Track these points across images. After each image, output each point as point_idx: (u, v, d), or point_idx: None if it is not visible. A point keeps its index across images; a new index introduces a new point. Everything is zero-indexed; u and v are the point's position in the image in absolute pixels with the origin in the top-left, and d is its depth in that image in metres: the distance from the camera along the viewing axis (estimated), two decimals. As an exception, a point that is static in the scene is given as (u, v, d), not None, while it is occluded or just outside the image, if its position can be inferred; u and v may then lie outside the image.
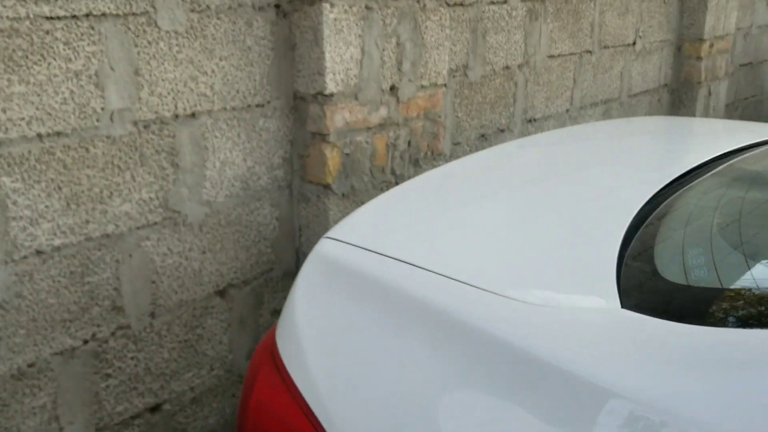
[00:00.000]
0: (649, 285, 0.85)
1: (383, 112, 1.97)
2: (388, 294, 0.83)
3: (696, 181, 1.16)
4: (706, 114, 3.85)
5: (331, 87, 1.80)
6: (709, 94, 3.83)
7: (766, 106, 5.11)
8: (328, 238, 1.00)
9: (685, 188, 1.13)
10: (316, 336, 0.85)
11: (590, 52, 3.01)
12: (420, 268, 0.88)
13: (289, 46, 1.84)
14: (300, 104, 1.87)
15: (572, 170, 1.32)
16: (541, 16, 2.68)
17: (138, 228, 1.62)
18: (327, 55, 1.77)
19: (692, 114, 3.76)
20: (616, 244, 0.91)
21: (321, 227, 1.93)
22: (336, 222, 1.92)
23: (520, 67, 2.64)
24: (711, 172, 1.21)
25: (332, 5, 1.75)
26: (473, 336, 0.73)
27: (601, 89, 3.15)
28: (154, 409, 1.75)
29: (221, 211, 1.79)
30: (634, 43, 3.30)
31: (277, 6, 1.79)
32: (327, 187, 1.88)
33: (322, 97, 1.81)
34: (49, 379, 1.51)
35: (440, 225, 1.04)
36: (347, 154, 1.90)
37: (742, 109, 4.73)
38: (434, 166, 2.19)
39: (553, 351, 0.67)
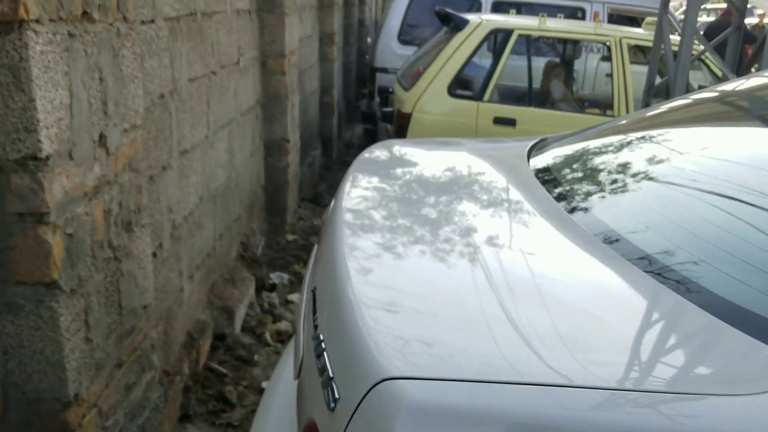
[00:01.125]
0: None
1: (97, 170, 1.50)
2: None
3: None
4: (292, 124, 4.05)
5: (47, 147, 1.28)
6: (293, 105, 4.03)
7: (307, 107, 5.64)
8: (390, 379, 0.71)
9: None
10: None
11: (215, 73, 2.83)
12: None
13: (-39, 93, 1.23)
14: (-11, 176, 1.28)
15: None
16: (179, 37, 2.39)
17: None
18: (38, 103, 1.25)
19: (285, 125, 3.90)
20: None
21: (47, 343, 1.37)
22: (68, 331, 1.40)
23: (171, 94, 2.32)
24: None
25: (37, 33, 1.24)
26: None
27: (225, 111, 3.01)
28: None
29: None
30: (238, 62, 3.23)
31: (-63, 34, 1.17)
32: (52, 285, 1.34)
33: (35, 163, 1.27)
34: None
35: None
36: (70, 235, 1.39)
37: (296, 115, 5.12)
38: (142, 228, 1.78)
39: None
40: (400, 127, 4.50)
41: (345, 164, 6.59)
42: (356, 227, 1.18)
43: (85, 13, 1.42)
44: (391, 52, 6.81)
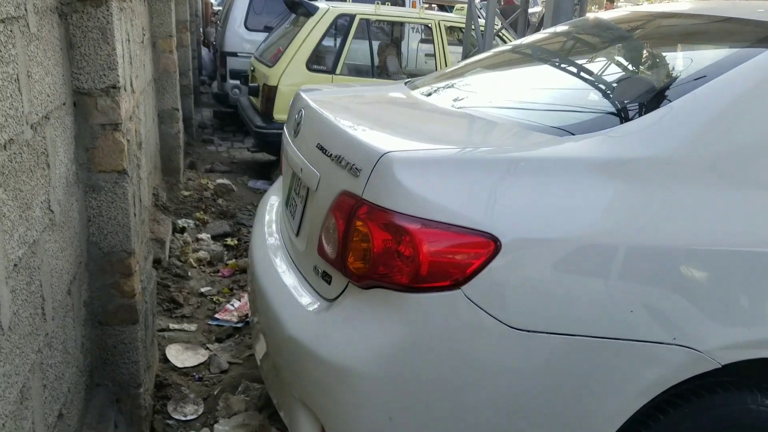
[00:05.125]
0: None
1: (132, 101, 2.22)
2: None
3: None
4: (179, 96, 4.70)
5: (121, 80, 2.01)
6: (178, 80, 4.68)
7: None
8: (389, 153, 1.59)
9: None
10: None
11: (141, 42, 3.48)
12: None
13: (67, 46, 1.92)
14: (83, 99, 1.98)
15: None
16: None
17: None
18: (117, 51, 1.98)
19: (175, 97, 4.56)
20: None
21: (118, 211, 2.09)
22: (131, 204, 2.12)
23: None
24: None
25: (113, 5, 1.97)
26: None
27: (142, 78, 3.66)
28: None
29: (67, 211, 1.82)
30: (143, 40, 3.87)
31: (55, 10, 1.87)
32: (123, 172, 2.07)
33: (114, 90, 2.00)
34: None
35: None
36: (128, 140, 2.12)
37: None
38: (143, 148, 2.49)
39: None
40: (267, 98, 5.30)
41: (205, 142, 7.22)
42: (327, 107, 2.09)
43: (122, -5, 2.14)
44: (240, 37, 7.51)
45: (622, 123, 1.73)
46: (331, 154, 1.83)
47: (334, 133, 1.90)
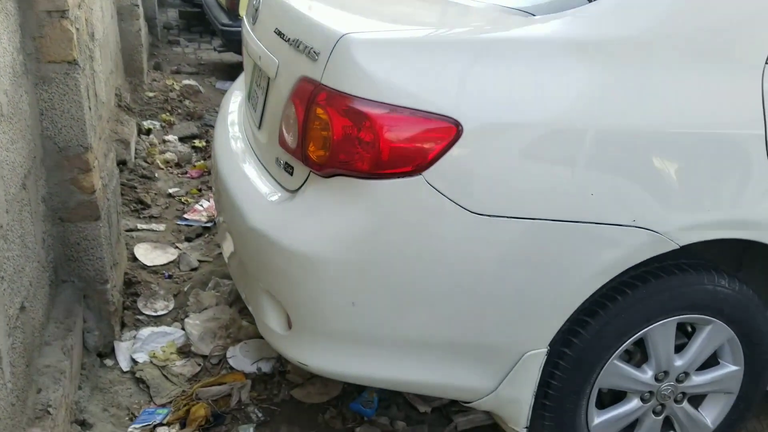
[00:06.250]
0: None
1: (80, -14, 2.10)
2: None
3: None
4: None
5: (65, -38, 1.89)
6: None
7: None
8: (348, 35, 1.52)
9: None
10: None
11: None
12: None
13: None
14: (25, -17, 1.86)
15: None
16: None
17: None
18: (57, -69, 1.85)
19: (133, -8, 4.34)
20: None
21: (71, 104, 2.01)
22: (85, 97, 2.04)
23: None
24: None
25: None
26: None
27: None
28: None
29: (16, 102, 1.74)
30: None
31: None
32: (73, 62, 1.98)
33: (57, -26, 1.88)
34: None
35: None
36: (77, 29, 2.01)
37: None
38: (96, 41, 2.38)
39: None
40: (232, -8, 5.07)
41: (171, 43, 6.96)
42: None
43: None
44: (202, -71, 7.10)
45: (589, 2, 1.66)
46: (289, 39, 1.76)
47: (291, 17, 1.82)
